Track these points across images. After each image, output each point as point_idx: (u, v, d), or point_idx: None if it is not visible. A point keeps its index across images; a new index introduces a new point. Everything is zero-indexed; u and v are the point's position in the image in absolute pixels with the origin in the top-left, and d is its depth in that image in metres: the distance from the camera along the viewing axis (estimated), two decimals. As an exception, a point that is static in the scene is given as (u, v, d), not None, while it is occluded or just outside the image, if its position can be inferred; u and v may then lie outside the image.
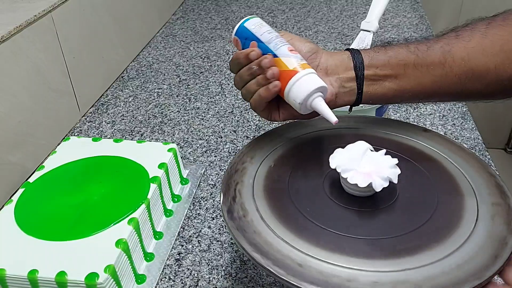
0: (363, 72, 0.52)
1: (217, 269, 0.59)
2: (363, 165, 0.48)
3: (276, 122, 0.85)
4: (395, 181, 0.46)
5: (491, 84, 0.51)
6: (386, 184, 0.46)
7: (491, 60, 0.50)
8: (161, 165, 0.66)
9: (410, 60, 0.52)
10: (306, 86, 0.49)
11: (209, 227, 0.65)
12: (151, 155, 0.68)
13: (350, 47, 0.55)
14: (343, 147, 0.50)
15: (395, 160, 0.48)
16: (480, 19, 0.54)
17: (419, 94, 0.53)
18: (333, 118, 0.49)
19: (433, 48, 0.52)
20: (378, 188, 0.46)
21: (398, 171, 0.47)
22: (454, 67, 0.51)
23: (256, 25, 0.53)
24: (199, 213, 0.67)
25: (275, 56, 0.51)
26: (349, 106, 0.56)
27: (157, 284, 0.57)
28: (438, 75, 0.52)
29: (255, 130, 0.85)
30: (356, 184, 0.46)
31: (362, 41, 0.74)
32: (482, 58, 0.51)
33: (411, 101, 0.57)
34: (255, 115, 0.89)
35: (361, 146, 0.49)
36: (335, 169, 0.48)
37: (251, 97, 0.52)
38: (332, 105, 0.52)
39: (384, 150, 0.49)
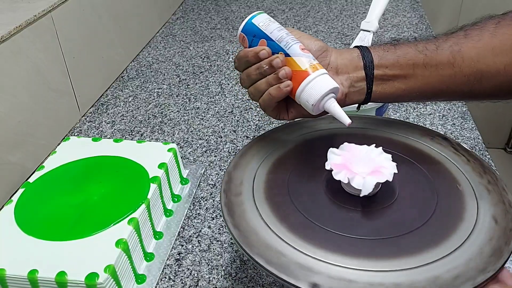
0: (373, 72, 0.52)
1: (217, 269, 0.59)
2: (358, 166, 0.48)
3: (276, 122, 0.86)
4: (390, 179, 0.46)
5: (500, 84, 0.51)
6: (382, 180, 0.46)
7: (500, 61, 0.50)
8: (161, 165, 0.66)
9: (419, 60, 0.51)
10: (319, 87, 0.48)
11: (209, 227, 0.65)
12: (151, 155, 0.68)
13: (358, 45, 0.55)
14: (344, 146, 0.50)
15: (389, 157, 0.48)
16: (489, 17, 0.53)
17: (427, 93, 0.53)
18: (346, 120, 0.49)
19: (442, 47, 0.51)
20: (371, 188, 0.46)
21: (394, 169, 0.47)
22: (463, 67, 0.51)
23: (264, 21, 0.52)
24: (199, 213, 0.67)
25: (286, 55, 0.50)
26: (357, 105, 0.56)
27: (157, 284, 0.57)
28: (446, 75, 0.51)
29: (255, 130, 0.85)
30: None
31: (362, 41, 0.74)
32: (491, 58, 0.50)
33: (418, 100, 0.57)
34: (255, 115, 0.89)
35: (354, 147, 0.50)
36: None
37: (260, 96, 0.51)
38: (341, 104, 0.51)
39: (374, 147, 0.49)
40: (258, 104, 0.52)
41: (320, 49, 0.52)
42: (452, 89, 0.52)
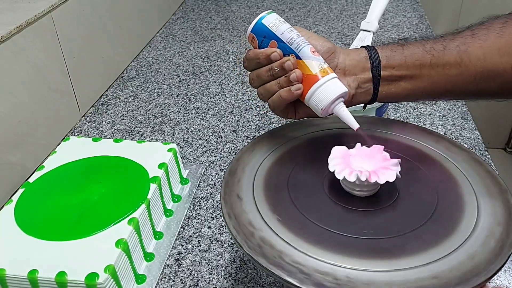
0: (380, 73, 0.52)
1: (217, 269, 0.59)
2: (361, 164, 0.48)
3: (276, 122, 0.86)
4: (398, 174, 0.46)
5: (506, 83, 0.51)
6: (392, 179, 0.46)
7: (506, 60, 0.50)
8: (161, 165, 0.66)
9: (426, 60, 0.51)
10: (329, 93, 0.49)
11: (209, 227, 0.65)
12: (151, 155, 0.68)
13: (365, 45, 0.55)
14: (346, 147, 0.50)
15: (387, 155, 0.48)
16: (496, 17, 0.53)
17: (433, 93, 0.53)
18: (355, 125, 0.50)
19: (449, 47, 0.52)
20: (382, 181, 0.46)
21: (398, 167, 0.47)
22: (469, 66, 0.51)
23: (274, 22, 0.51)
24: (199, 213, 0.67)
25: (297, 57, 0.50)
26: (363, 104, 0.56)
27: (157, 284, 0.57)
28: (453, 75, 0.51)
29: (255, 130, 0.85)
30: (355, 183, 0.46)
31: (362, 41, 0.74)
32: (498, 58, 0.50)
33: (424, 99, 0.57)
34: (255, 115, 0.89)
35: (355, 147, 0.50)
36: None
37: (270, 97, 0.51)
38: (348, 104, 0.52)
39: (378, 147, 0.49)
40: (266, 103, 0.52)
41: (328, 51, 0.52)
42: (458, 88, 0.52)
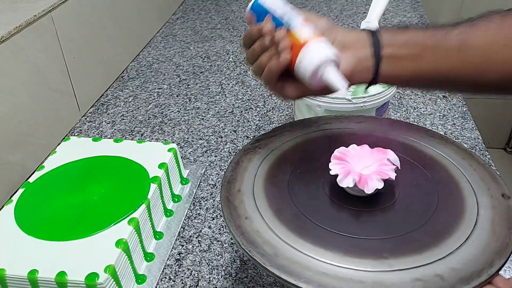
0: (381, 50, 0.51)
1: (217, 269, 0.59)
2: (361, 167, 0.48)
3: (276, 122, 0.86)
4: (393, 177, 0.46)
5: (508, 75, 0.51)
6: (381, 186, 0.46)
7: (507, 52, 0.50)
8: (161, 165, 0.66)
9: (428, 43, 0.51)
10: (314, 56, 0.46)
11: (209, 227, 0.65)
12: (151, 155, 0.68)
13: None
14: (346, 147, 0.50)
15: (389, 157, 0.48)
16: (495, 11, 0.53)
17: (435, 78, 0.52)
18: (339, 86, 0.46)
19: (451, 34, 0.51)
20: (370, 191, 0.46)
21: (394, 169, 0.47)
22: (470, 55, 0.50)
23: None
24: (199, 213, 0.67)
25: (288, 28, 0.49)
26: (365, 86, 0.54)
27: (157, 284, 0.57)
28: (454, 61, 0.51)
29: (255, 130, 0.85)
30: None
31: (362, 40, 0.74)
32: (501, 48, 0.50)
33: (427, 86, 0.55)
34: (255, 115, 0.89)
35: (357, 148, 0.50)
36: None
37: (262, 72, 0.50)
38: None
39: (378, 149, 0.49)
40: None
41: (327, 25, 0.51)
42: (461, 77, 0.51)
